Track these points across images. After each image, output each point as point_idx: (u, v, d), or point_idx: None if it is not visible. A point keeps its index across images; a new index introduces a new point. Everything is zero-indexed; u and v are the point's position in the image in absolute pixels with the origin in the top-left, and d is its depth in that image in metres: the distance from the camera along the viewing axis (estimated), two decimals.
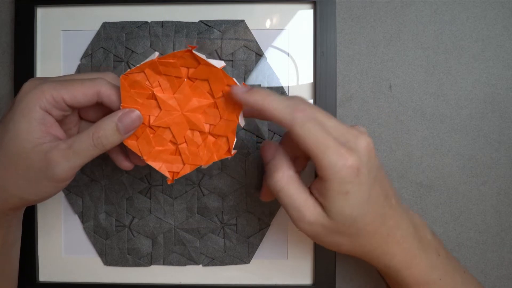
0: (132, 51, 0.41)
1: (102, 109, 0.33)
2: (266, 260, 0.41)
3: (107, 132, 0.30)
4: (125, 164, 0.35)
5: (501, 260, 0.42)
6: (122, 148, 0.35)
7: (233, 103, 0.31)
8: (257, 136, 0.41)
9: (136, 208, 0.41)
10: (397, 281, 0.33)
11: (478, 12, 0.41)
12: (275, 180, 0.30)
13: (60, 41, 0.41)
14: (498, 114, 0.41)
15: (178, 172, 0.33)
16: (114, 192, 0.41)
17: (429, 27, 0.41)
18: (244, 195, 0.41)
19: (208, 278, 0.42)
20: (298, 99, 0.30)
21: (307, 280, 0.41)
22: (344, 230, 0.30)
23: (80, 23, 0.41)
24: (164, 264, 0.41)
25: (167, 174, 0.33)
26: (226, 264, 0.41)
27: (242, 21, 0.41)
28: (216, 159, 0.32)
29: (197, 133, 0.33)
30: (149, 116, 0.32)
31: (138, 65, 0.31)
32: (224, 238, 0.41)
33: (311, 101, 0.40)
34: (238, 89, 0.30)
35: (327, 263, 0.40)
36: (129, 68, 0.41)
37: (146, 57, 0.40)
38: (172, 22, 0.41)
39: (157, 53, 0.31)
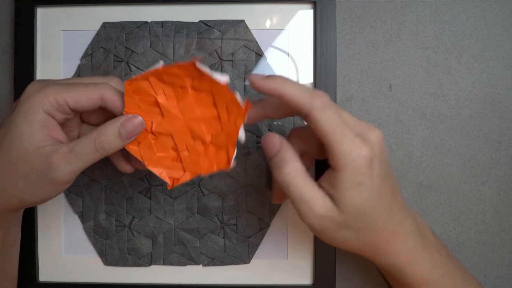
0: (132, 51, 0.41)
1: (104, 113, 0.33)
2: (266, 260, 0.41)
3: (109, 137, 0.30)
4: (126, 168, 0.35)
5: (501, 260, 0.42)
6: (123, 152, 0.34)
7: (235, 116, 0.31)
8: (257, 136, 0.41)
9: (136, 208, 0.41)
10: (401, 280, 0.33)
11: (478, 12, 0.41)
12: (285, 174, 0.29)
13: (60, 41, 0.41)
14: (498, 114, 0.41)
15: (178, 179, 0.33)
16: (114, 192, 0.41)
17: (429, 27, 0.41)
18: (244, 195, 0.41)
19: (208, 278, 0.42)
20: (314, 88, 0.30)
21: (307, 280, 0.41)
22: (352, 225, 0.30)
23: (80, 23, 0.41)
24: (164, 264, 0.41)
25: (167, 180, 0.33)
26: (226, 264, 0.41)
27: (242, 21, 0.41)
28: (215, 169, 0.32)
29: (199, 142, 0.33)
30: (152, 122, 0.32)
31: (142, 73, 0.31)
32: (224, 238, 0.41)
33: None
34: (255, 76, 0.30)
35: (327, 263, 0.40)
36: (129, 68, 0.41)
37: (147, 58, 0.40)
38: (172, 22, 0.41)
39: (161, 62, 0.31)
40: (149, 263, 0.42)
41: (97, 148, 0.30)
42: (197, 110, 0.32)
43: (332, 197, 0.29)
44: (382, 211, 0.30)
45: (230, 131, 0.31)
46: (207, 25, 0.41)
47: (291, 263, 0.41)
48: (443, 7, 0.41)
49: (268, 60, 0.41)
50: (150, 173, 0.41)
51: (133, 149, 0.33)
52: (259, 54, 0.41)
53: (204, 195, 0.41)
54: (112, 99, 0.31)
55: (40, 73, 0.41)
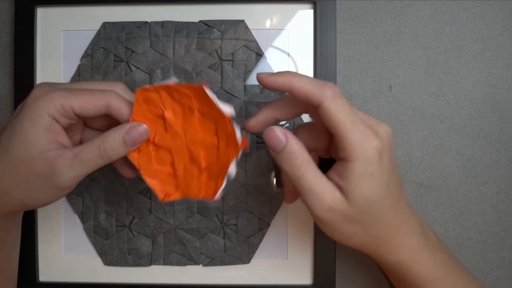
0: (132, 51, 0.41)
1: (108, 119, 0.33)
2: (266, 260, 0.42)
3: (113, 144, 0.30)
4: (128, 172, 0.35)
5: (501, 260, 0.42)
6: (126, 157, 0.35)
7: (230, 151, 0.31)
8: (257, 136, 0.41)
9: (136, 208, 0.41)
10: (404, 278, 0.33)
11: (478, 12, 0.41)
12: (297, 168, 0.29)
13: (60, 41, 0.41)
14: (498, 114, 0.41)
15: (169, 195, 0.33)
16: (114, 192, 0.41)
17: (429, 27, 0.41)
18: (244, 195, 0.41)
19: (208, 278, 0.42)
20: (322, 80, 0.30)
21: (307, 280, 0.41)
22: (361, 218, 0.30)
23: (80, 23, 0.41)
24: (164, 264, 0.41)
25: (159, 194, 0.33)
26: (226, 264, 0.41)
27: (242, 21, 0.41)
28: (201, 197, 0.33)
29: (195, 166, 0.33)
30: (155, 133, 0.32)
31: (155, 85, 0.31)
32: (224, 238, 0.41)
33: None
34: (263, 74, 0.30)
35: (327, 263, 0.40)
36: (129, 68, 0.41)
37: (147, 58, 0.40)
38: (172, 22, 0.41)
39: (174, 79, 0.31)
40: (149, 263, 0.42)
41: (101, 154, 0.30)
42: (199, 134, 0.32)
43: (342, 189, 0.29)
44: (390, 205, 0.30)
45: (223, 164, 0.32)
46: (207, 25, 0.41)
47: (291, 263, 0.41)
48: (443, 7, 0.41)
49: (268, 60, 0.41)
50: None
51: (133, 155, 0.33)
52: (259, 54, 0.41)
53: None
54: (117, 106, 0.31)
55: (40, 73, 0.41)
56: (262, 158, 0.41)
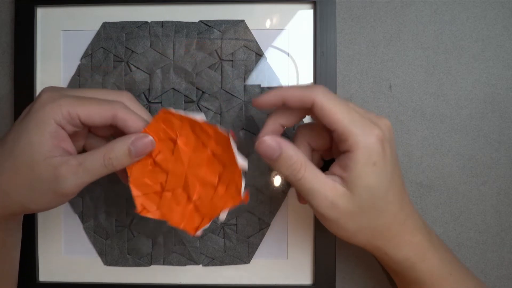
0: (132, 51, 0.41)
1: (112, 128, 0.33)
2: (266, 260, 0.42)
3: (118, 154, 0.31)
4: (127, 179, 0.35)
5: (501, 260, 0.42)
6: None
7: (228, 198, 0.32)
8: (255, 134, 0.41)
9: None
10: (409, 275, 0.33)
11: (478, 12, 0.41)
12: (296, 171, 0.30)
13: (60, 41, 0.41)
14: (498, 114, 0.41)
15: (148, 211, 0.33)
16: (114, 192, 0.41)
17: (429, 27, 0.41)
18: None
19: (208, 278, 0.42)
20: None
21: (307, 280, 0.41)
22: (365, 211, 0.30)
23: (80, 23, 0.41)
24: (164, 264, 0.41)
25: (138, 206, 0.33)
26: (226, 264, 0.41)
27: (242, 21, 0.41)
28: (181, 227, 0.33)
29: (185, 195, 0.33)
30: (160, 152, 0.33)
31: (182, 114, 0.31)
32: (224, 238, 0.41)
33: None
34: (255, 98, 0.32)
35: (327, 263, 0.40)
36: (129, 68, 0.41)
37: (147, 58, 0.40)
38: (172, 22, 0.41)
39: (203, 117, 0.31)
40: (149, 263, 0.42)
41: (106, 164, 0.30)
42: (203, 170, 0.33)
43: (345, 180, 0.30)
44: (395, 196, 0.30)
45: (216, 206, 0.32)
46: (207, 25, 0.41)
47: (291, 263, 0.41)
48: (443, 7, 0.41)
49: (268, 60, 0.41)
50: None
51: None
52: (259, 54, 0.41)
53: None
54: (124, 118, 0.31)
55: (40, 73, 0.41)
56: (262, 158, 0.41)
